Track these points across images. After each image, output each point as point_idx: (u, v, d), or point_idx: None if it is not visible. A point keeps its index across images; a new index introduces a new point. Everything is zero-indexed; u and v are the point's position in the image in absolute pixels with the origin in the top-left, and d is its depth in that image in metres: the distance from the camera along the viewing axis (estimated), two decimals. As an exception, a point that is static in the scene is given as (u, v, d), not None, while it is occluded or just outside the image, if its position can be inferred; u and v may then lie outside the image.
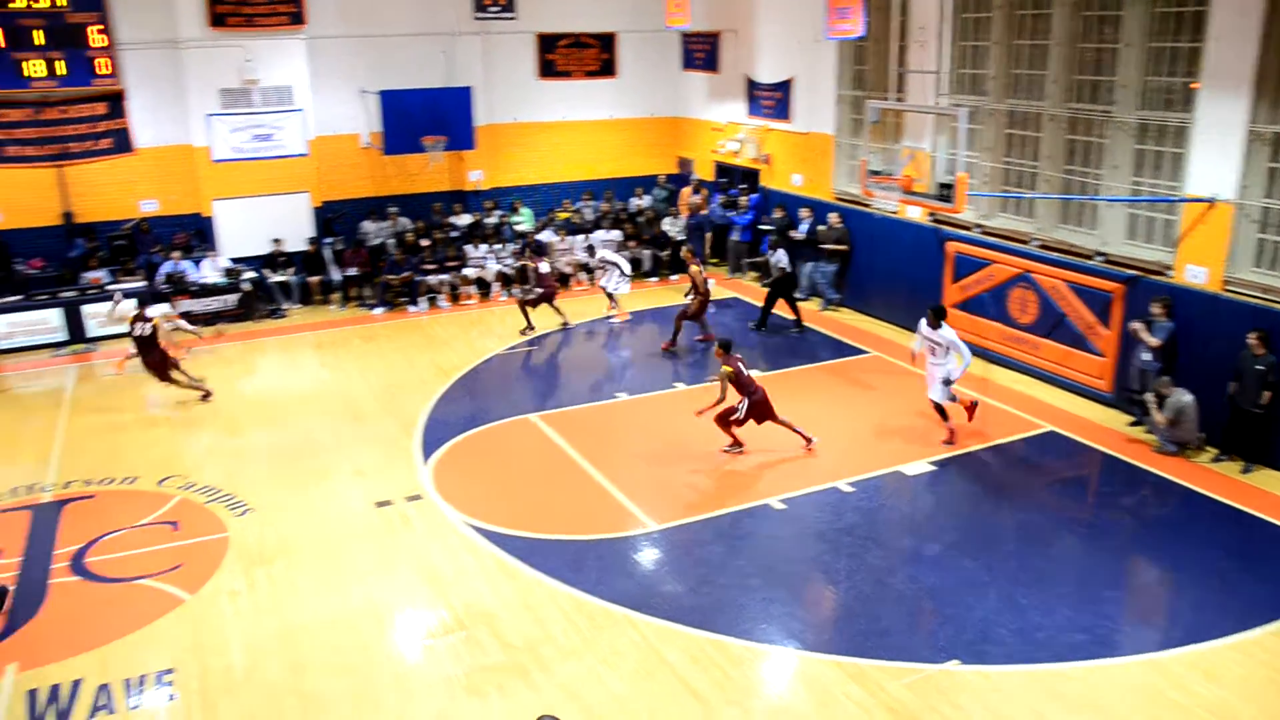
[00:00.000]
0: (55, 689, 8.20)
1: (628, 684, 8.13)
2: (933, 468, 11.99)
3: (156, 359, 14.19)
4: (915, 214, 16.54)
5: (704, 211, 21.62)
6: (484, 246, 20.05)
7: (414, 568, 9.94)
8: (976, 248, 15.60)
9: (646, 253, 20.98)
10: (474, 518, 10.87)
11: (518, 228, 20.96)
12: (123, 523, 10.89)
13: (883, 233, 17.31)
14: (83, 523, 10.96)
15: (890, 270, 17.19)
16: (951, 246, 15.96)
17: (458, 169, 21.51)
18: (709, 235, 21.21)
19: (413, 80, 20.12)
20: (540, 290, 17.47)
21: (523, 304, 17.51)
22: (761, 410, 12.15)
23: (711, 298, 16.63)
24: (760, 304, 17.73)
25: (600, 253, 18.98)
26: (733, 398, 12.12)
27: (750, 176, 21.13)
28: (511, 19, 20.62)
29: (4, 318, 16.94)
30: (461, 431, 13.22)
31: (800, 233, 18.71)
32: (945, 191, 13.15)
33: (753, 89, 20.68)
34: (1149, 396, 12.26)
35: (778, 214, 19.41)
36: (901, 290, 16.97)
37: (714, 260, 21.75)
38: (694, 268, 16.42)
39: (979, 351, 14.64)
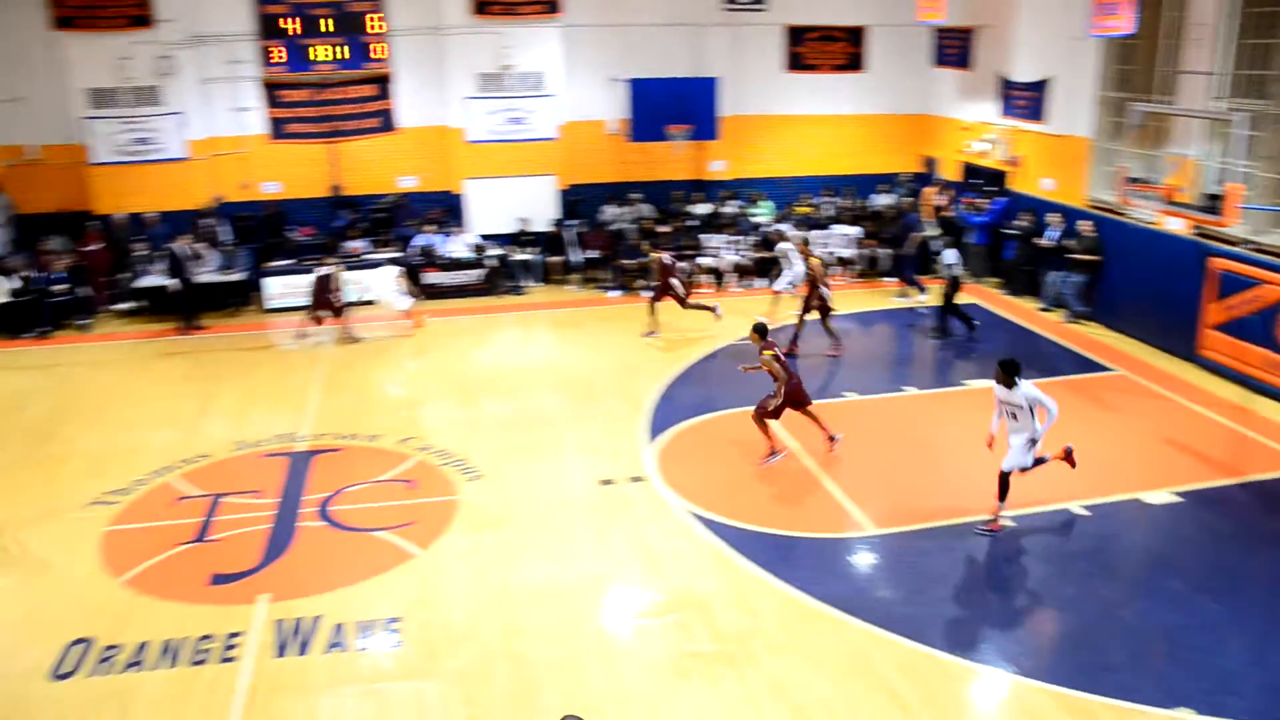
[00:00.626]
0: (298, 622, 8.89)
1: (834, 686, 8.03)
2: (1178, 499, 11.17)
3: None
4: (1176, 226, 15.43)
5: (948, 213, 20.94)
6: (721, 236, 20.19)
7: (631, 547, 10.16)
8: (1245, 265, 14.41)
9: (884, 252, 20.55)
10: (694, 504, 10.98)
11: (755, 219, 20.98)
12: (365, 477, 11.65)
13: (1138, 244, 16.25)
14: (330, 473, 11.82)
15: (1144, 285, 16.13)
16: (1216, 263, 14.82)
17: (699, 158, 21.73)
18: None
19: (660, 70, 20.45)
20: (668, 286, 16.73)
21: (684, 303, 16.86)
22: (796, 396, 11.84)
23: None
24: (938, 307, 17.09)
25: (782, 245, 17.77)
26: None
27: (997, 179, 20.32)
28: (761, 10, 20.62)
29: (275, 280, 18.43)
30: (689, 418, 13.37)
31: (1048, 240, 17.85)
32: (1213, 203, 12.25)
33: (1006, 88, 19.84)
34: None
35: (1025, 219, 18.60)
36: (1155, 306, 15.92)
37: (952, 263, 21.04)
38: (814, 260, 15.97)
39: (1240, 378, 13.56)
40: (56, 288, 17.73)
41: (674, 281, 16.47)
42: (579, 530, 10.53)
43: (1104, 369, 15.22)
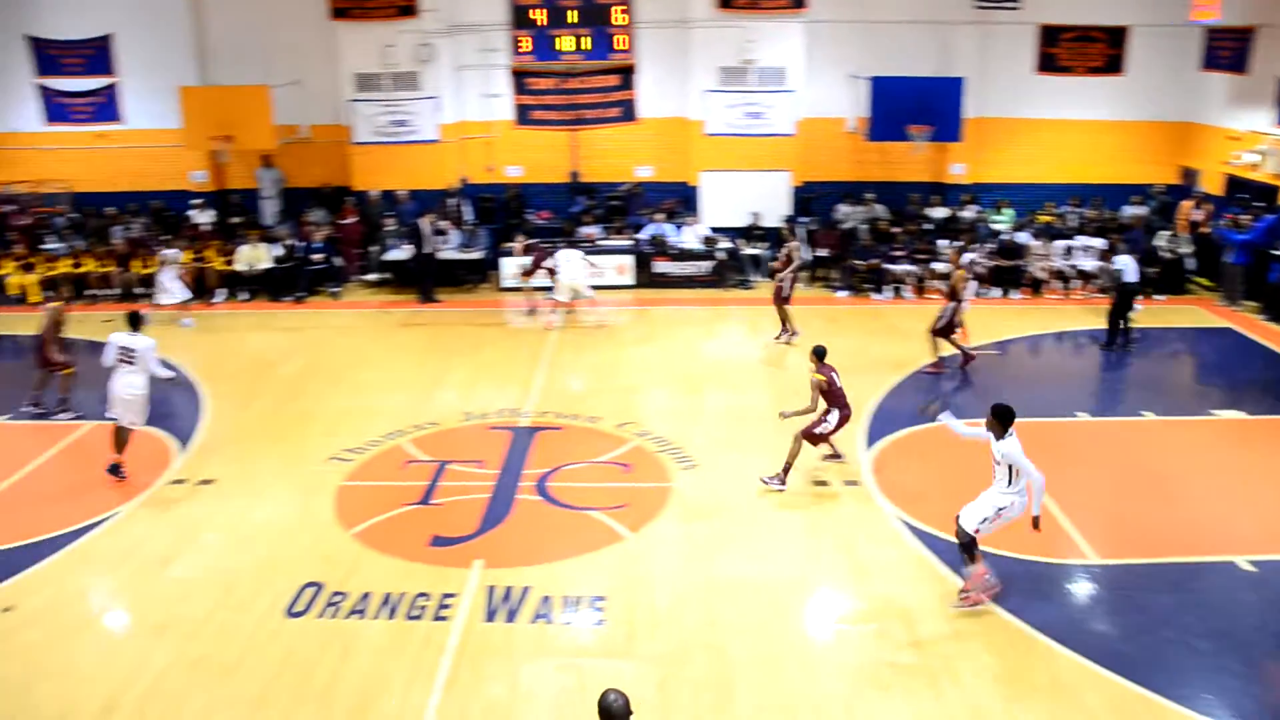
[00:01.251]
0: (508, 590, 9.20)
1: (1037, 718, 7.63)
2: None
3: None
4: None
5: (1205, 230, 19.51)
6: (957, 242, 19.46)
7: (838, 550, 9.97)
8: None
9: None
10: (907, 513, 10.68)
11: (995, 226, 20.15)
12: (583, 457, 11.94)
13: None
14: (550, 450, 12.18)
15: None
16: None
17: (939, 160, 21.08)
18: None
19: (904, 68, 19.92)
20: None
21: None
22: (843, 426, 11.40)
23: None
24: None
25: (968, 256, 16.63)
26: (819, 408, 11.21)
27: (1267, 194, 18.71)
28: (1015, 8, 19.75)
29: (513, 260, 19.09)
30: (907, 426, 13.01)
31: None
32: None
33: (1287, 94, 18.26)
34: None
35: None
36: None
37: (1209, 284, 19.58)
38: (959, 271, 15.14)
39: None
40: (315, 256, 19.08)
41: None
42: (788, 528, 10.43)
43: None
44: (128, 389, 11.31)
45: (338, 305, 18.76)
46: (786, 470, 11.21)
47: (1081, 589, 9.44)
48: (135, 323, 11.52)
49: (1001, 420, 8.77)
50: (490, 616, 8.83)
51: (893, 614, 8.91)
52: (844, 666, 8.23)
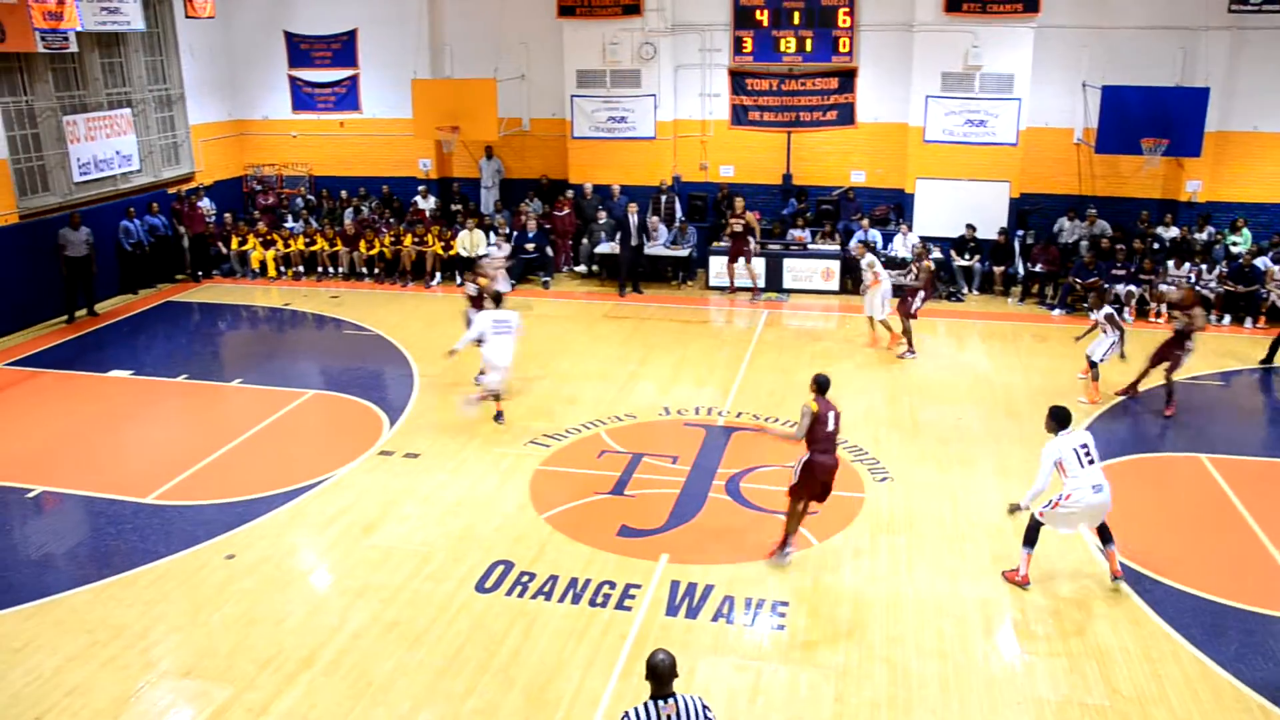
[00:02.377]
0: (691, 587, 9.26)
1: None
2: None
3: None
4: None
5: None
6: (1187, 264, 18.23)
7: (1034, 580, 9.50)
8: None
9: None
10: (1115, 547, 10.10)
11: (1234, 249, 18.75)
12: (776, 460, 11.83)
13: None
14: (744, 451, 12.19)
15: None
16: None
17: (1174, 176, 19.77)
18: None
19: (1140, 77, 18.81)
20: None
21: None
22: (815, 487, 9.56)
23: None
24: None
25: (869, 257, 16.24)
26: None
27: None
28: (1277, 11, 18.28)
29: (722, 259, 19.16)
30: (1118, 455, 12.30)
31: None
32: None
33: None
34: None
35: None
36: None
37: None
38: (926, 263, 15.08)
39: None
40: (528, 246, 19.69)
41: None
42: (979, 550, 10.05)
43: None
44: (504, 356, 12.65)
45: (547, 294, 19.32)
46: (784, 542, 9.74)
47: (1307, 646, 8.70)
48: (498, 299, 13.33)
49: (1053, 419, 9.24)
50: (672, 611, 8.91)
51: (1088, 652, 8.46)
52: (1030, 699, 7.88)
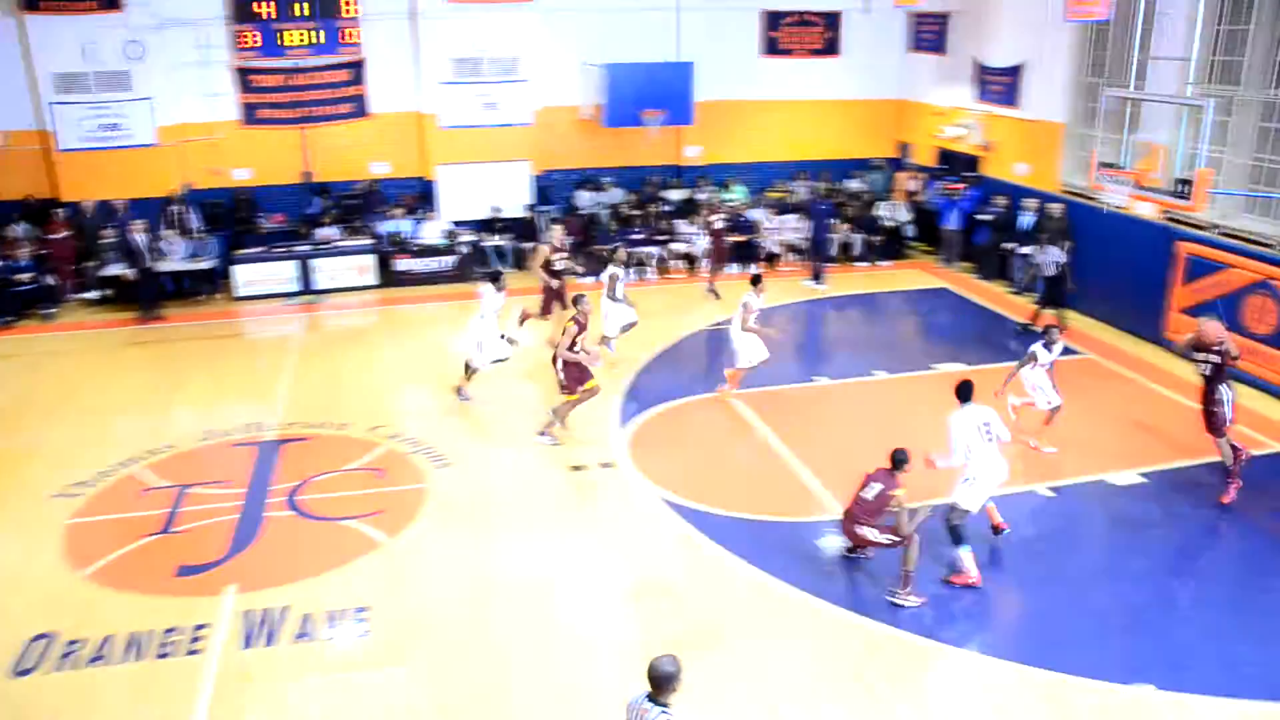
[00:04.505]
0: (266, 613, 8.81)
1: (802, 669, 8.05)
2: (1143, 480, 11.26)
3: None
4: (1146, 211, 15.48)
5: (920, 198, 21.01)
6: (695, 222, 20.11)
7: (602, 533, 10.14)
8: (1212, 249, 14.50)
9: (858, 237, 20.53)
10: (665, 489, 10.97)
11: (730, 204, 20.90)
12: (333, 465, 11.56)
13: (1109, 229, 16.27)
14: (299, 462, 11.72)
15: (1113, 269, 16.17)
16: (1183, 247, 14.90)
17: (675, 144, 21.64)
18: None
19: (635, 54, 20.29)
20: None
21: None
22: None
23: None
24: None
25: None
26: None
27: (971, 164, 20.34)
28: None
29: (246, 267, 18.25)
30: (659, 403, 13.34)
31: (1021, 225, 17.95)
32: (1182, 188, 12.29)
33: (981, 73, 19.86)
34: None
35: (999, 204, 18.63)
36: (1124, 290, 15.99)
37: (928, 249, 21.11)
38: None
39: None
40: (20, 276, 17.46)
41: None
42: (549, 517, 10.50)
43: (1073, 352, 15.26)
44: None
45: (53, 328, 17.20)
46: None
47: (831, 542, 9.96)
48: None
49: (958, 393, 9.35)
50: (248, 642, 8.43)
51: (660, 590, 9.15)
52: (618, 646, 8.38)
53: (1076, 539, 10.11)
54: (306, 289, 18.43)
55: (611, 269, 14.93)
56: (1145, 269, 15.45)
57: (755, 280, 13.45)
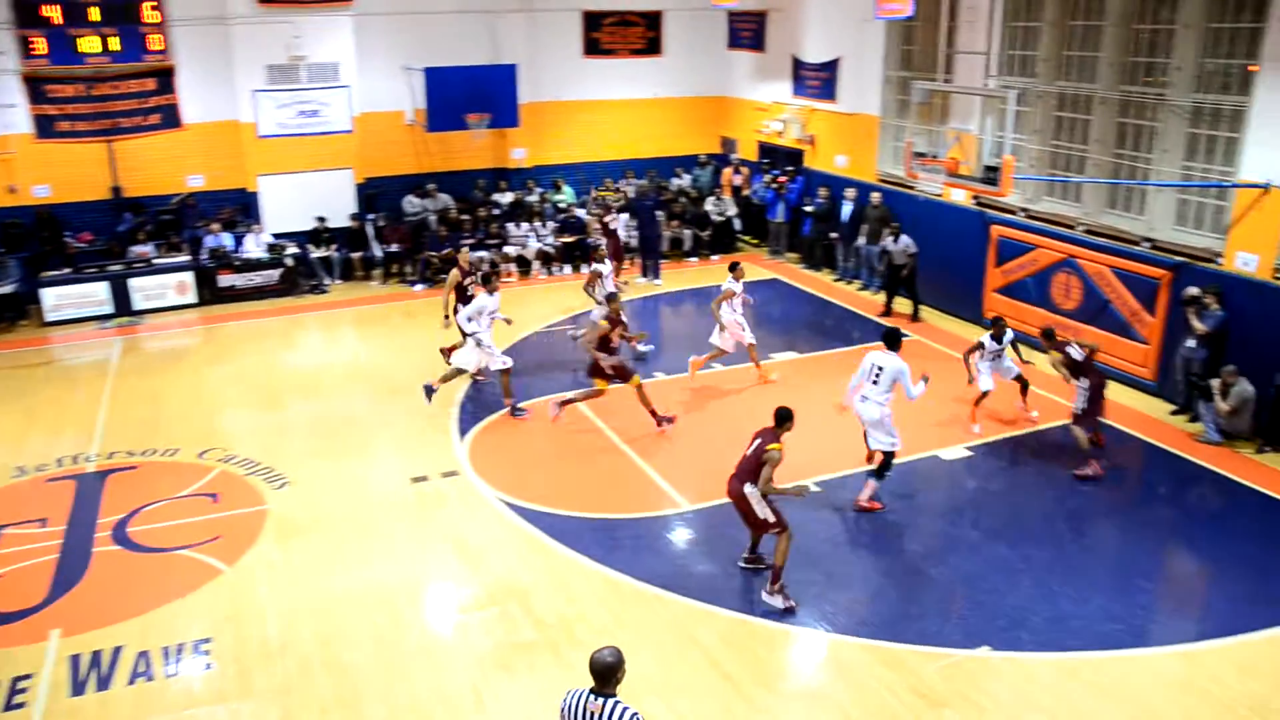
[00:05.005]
0: (96, 655, 8.35)
1: (659, 664, 8.13)
2: (969, 453, 11.89)
3: None
4: (960, 197, 16.32)
5: (745, 192, 21.52)
6: (525, 225, 20.05)
7: (448, 543, 10.02)
8: (1021, 232, 15.39)
9: (687, 232, 20.88)
10: (509, 494, 10.93)
11: (560, 206, 20.94)
12: (164, 494, 11.06)
13: (927, 216, 17.07)
14: (125, 493, 11.15)
15: (933, 253, 16.94)
16: (996, 230, 15.75)
17: (501, 147, 21.52)
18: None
19: (457, 58, 20.07)
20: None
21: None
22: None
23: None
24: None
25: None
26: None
27: (794, 157, 20.95)
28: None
29: (54, 290, 17.21)
30: (499, 409, 13.25)
31: (842, 215, 18.62)
32: (991, 174, 12.97)
33: (799, 69, 20.47)
34: (1214, 383, 12.02)
35: (822, 194, 19.26)
36: (944, 273, 16.77)
37: (755, 242, 21.65)
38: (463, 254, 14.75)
39: (1021, 338, 14.43)
40: None
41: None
42: (394, 530, 10.31)
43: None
44: None
45: None
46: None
47: (680, 536, 10.18)
48: None
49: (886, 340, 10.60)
50: (79, 689, 7.97)
51: (510, 596, 9.12)
52: (470, 656, 8.32)
53: (913, 515, 10.57)
54: (123, 310, 17.53)
55: (595, 267, 15.20)
56: (963, 253, 16.26)
57: (733, 267, 14.17)
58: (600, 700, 5.27)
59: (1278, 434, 11.78)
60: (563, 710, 5.39)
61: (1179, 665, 8.08)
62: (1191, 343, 12.41)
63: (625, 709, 5.23)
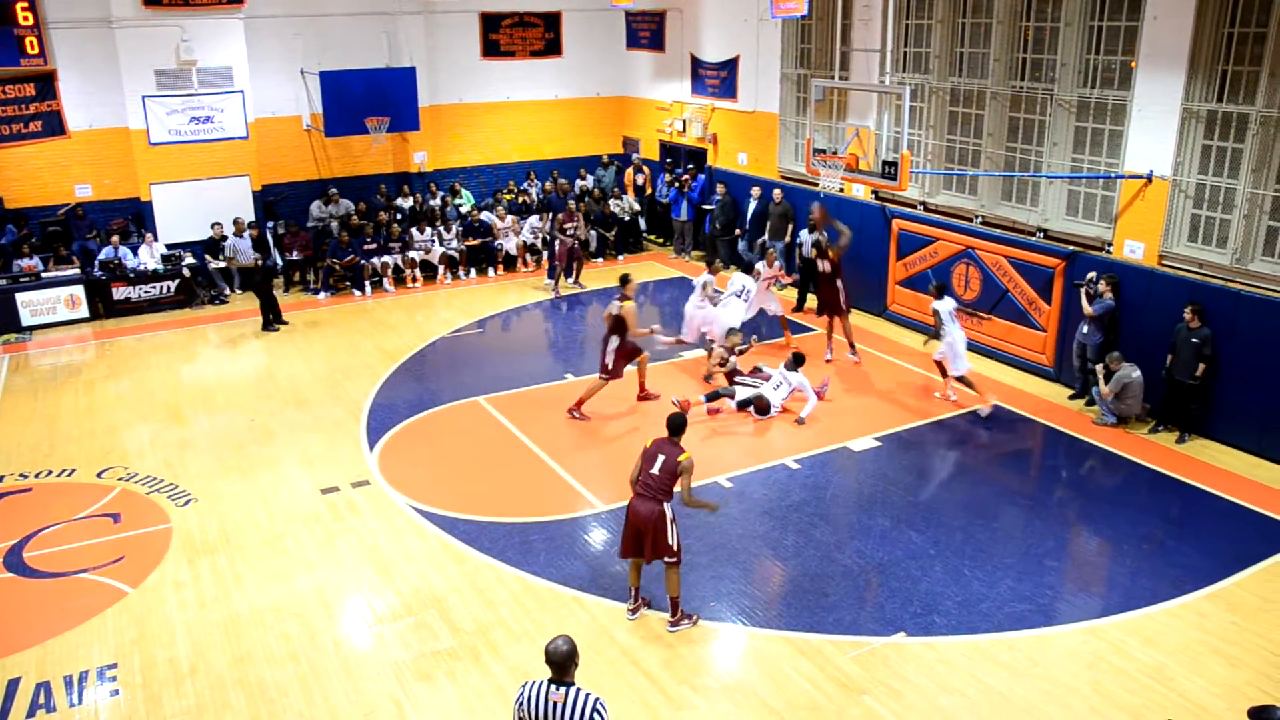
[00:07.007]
0: (-8, 687, 8.05)
1: (580, 665, 8.07)
2: (878, 444, 12.12)
3: None
4: (860, 192, 16.63)
5: (648, 192, 21.62)
6: (429, 229, 19.83)
7: (361, 554, 9.87)
8: (920, 225, 15.73)
9: (593, 233, 20.89)
10: (421, 502, 10.81)
11: (461, 210, 20.75)
12: (61, 516, 10.67)
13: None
14: (19, 517, 10.72)
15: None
16: (897, 224, 16.08)
17: (402, 151, 21.26)
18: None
19: (354, 61, 19.80)
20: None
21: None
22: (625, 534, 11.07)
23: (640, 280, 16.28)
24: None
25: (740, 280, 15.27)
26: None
27: (697, 156, 21.12)
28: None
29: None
30: (408, 416, 13.11)
31: (745, 212, 18.82)
32: (889, 169, 13.24)
33: (698, 68, 20.64)
34: (1098, 368, 12.49)
35: (719, 191, 19.42)
36: (851, 269, 17.01)
37: (659, 240, 21.77)
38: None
39: (923, 328, 14.76)
40: None
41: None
42: (305, 543, 10.12)
43: (805, 329, 16.19)
44: None
45: None
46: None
47: (596, 537, 10.18)
48: None
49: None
50: (-27, 726, 7.68)
51: (426, 604, 9.03)
52: (388, 666, 8.21)
53: (825, 506, 10.73)
54: (10, 327, 16.87)
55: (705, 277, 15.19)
56: (866, 247, 16.53)
57: (710, 262, 14.85)
58: (562, 690, 5.32)
59: (1171, 415, 12.25)
60: (519, 703, 5.39)
61: (1086, 640, 8.37)
62: (1085, 328, 12.85)
63: (589, 695, 5.32)
